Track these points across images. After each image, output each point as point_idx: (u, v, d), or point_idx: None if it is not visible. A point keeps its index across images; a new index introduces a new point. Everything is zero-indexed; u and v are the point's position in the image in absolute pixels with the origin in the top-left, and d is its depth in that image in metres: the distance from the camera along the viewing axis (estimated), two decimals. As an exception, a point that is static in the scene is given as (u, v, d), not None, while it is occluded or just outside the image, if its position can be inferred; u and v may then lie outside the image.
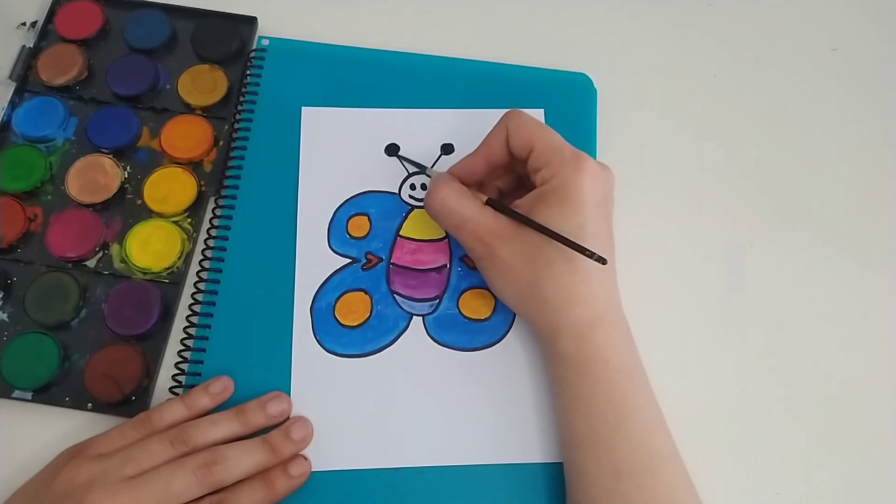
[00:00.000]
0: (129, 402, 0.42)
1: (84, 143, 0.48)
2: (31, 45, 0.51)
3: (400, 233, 0.47)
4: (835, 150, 0.54)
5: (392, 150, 0.49)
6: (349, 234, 0.47)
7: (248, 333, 0.44)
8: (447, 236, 0.48)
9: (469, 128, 0.50)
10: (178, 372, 0.43)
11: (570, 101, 0.52)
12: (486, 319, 0.46)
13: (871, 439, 0.46)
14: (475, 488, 0.42)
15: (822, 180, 0.53)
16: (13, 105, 0.49)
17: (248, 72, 0.51)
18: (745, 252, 0.50)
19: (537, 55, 0.53)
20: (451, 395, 0.44)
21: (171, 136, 0.49)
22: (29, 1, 0.53)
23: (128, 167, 0.48)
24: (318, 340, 0.44)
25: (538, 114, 0.51)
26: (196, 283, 0.45)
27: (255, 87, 0.51)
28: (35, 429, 0.42)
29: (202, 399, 0.41)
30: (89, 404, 0.42)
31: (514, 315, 0.46)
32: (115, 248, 0.46)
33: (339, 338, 0.45)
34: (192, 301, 0.45)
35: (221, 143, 0.49)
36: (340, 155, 0.49)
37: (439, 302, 0.46)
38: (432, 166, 0.49)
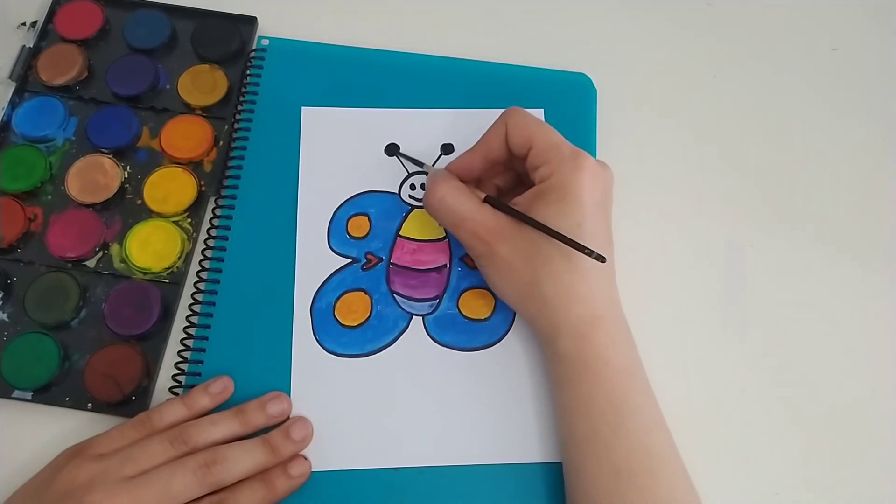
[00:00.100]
0: (129, 402, 0.42)
1: (84, 143, 0.48)
2: (31, 45, 0.51)
3: (400, 233, 0.47)
4: (835, 150, 0.54)
5: (392, 150, 0.49)
6: (349, 234, 0.47)
7: (248, 333, 0.44)
8: (447, 236, 0.47)
9: (469, 128, 0.50)
10: (178, 372, 0.43)
11: (570, 101, 0.52)
12: (486, 319, 0.46)
13: (871, 439, 0.46)
14: (475, 488, 0.42)
15: (822, 180, 0.53)
16: (13, 105, 0.49)
17: (248, 72, 0.51)
18: (745, 252, 0.50)
19: (537, 55, 0.53)
20: (451, 395, 0.44)
21: (171, 136, 0.49)
22: (29, 1, 0.53)
23: (128, 167, 0.48)
24: (318, 340, 0.44)
25: (538, 114, 0.51)
26: (196, 283, 0.45)
27: (255, 87, 0.51)
28: (35, 429, 0.42)
29: (202, 399, 0.41)
30: (89, 404, 0.42)
31: (514, 315, 0.46)
32: (115, 248, 0.46)
33: (339, 338, 0.45)
34: (192, 301, 0.45)
35: (221, 143, 0.49)
36: (340, 155, 0.49)
37: (439, 302, 0.46)
38: (432, 165, 0.49)
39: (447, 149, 0.50)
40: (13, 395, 0.42)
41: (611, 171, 0.42)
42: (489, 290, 0.46)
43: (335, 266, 0.46)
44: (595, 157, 0.50)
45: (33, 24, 0.51)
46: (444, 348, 0.45)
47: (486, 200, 0.41)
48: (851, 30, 0.58)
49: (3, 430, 0.42)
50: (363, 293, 0.46)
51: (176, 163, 0.48)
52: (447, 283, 0.46)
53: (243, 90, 0.51)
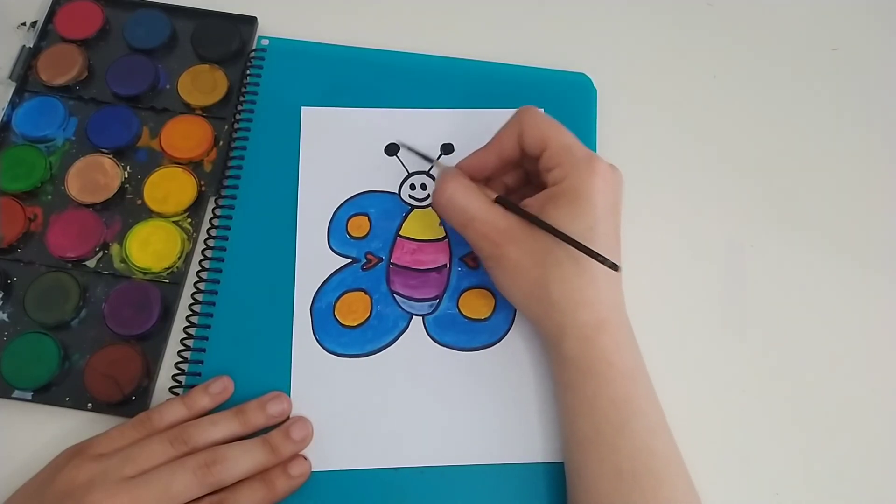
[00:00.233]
0: (129, 402, 0.42)
1: (84, 143, 0.48)
2: (31, 45, 0.51)
3: (400, 233, 0.47)
4: (834, 149, 0.54)
5: (392, 150, 0.49)
6: (349, 234, 0.47)
7: (248, 333, 0.44)
8: (447, 236, 0.47)
9: (469, 128, 0.50)
10: (178, 372, 0.43)
11: (570, 102, 0.52)
12: (486, 319, 0.46)
13: (871, 439, 0.46)
14: (475, 488, 0.42)
15: (822, 180, 0.53)
16: (13, 105, 0.49)
17: (248, 72, 0.51)
18: (745, 252, 0.50)
19: (537, 55, 0.53)
20: (451, 395, 0.44)
21: (171, 136, 0.49)
22: (29, 1, 0.53)
23: (128, 167, 0.48)
24: (318, 340, 0.44)
25: (538, 114, 0.51)
26: (196, 283, 0.45)
27: (255, 87, 0.51)
28: (35, 429, 0.42)
29: (202, 399, 0.41)
30: (89, 404, 0.42)
31: (514, 315, 0.46)
32: (115, 248, 0.46)
33: (339, 338, 0.44)
34: (192, 301, 0.45)
35: (221, 143, 0.49)
36: (340, 155, 0.49)
37: (439, 302, 0.46)
38: (432, 167, 0.49)
39: (447, 149, 0.50)
40: (13, 395, 0.42)
41: (621, 175, 0.41)
42: (490, 289, 0.46)
43: (335, 266, 0.46)
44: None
45: (33, 24, 0.51)
46: (444, 348, 0.45)
47: (497, 201, 0.41)
48: (851, 30, 0.58)
49: (3, 430, 0.42)
50: (363, 293, 0.46)
51: (176, 163, 0.48)
52: (447, 283, 0.46)
53: (243, 90, 0.51)
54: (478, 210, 0.40)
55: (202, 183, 0.48)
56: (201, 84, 0.50)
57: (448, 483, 0.42)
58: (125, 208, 0.47)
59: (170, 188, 0.47)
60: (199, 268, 0.46)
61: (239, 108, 0.50)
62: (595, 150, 0.51)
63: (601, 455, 0.38)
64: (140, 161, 0.49)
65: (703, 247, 0.50)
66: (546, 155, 0.40)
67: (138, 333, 0.44)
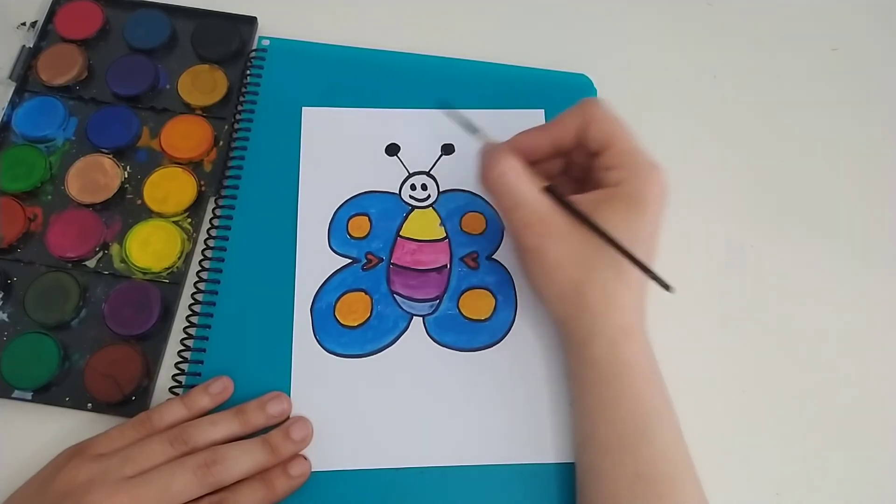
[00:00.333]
0: (129, 402, 0.42)
1: (84, 143, 0.48)
2: (31, 45, 0.50)
3: (400, 233, 0.47)
4: (835, 149, 0.54)
5: (392, 150, 0.49)
6: (349, 235, 0.47)
7: (248, 333, 0.44)
8: (447, 237, 0.47)
9: (469, 128, 0.50)
10: (178, 372, 0.43)
11: (570, 102, 0.51)
12: (486, 320, 0.46)
13: (871, 439, 0.46)
14: (475, 488, 0.42)
15: (822, 180, 0.53)
16: (13, 105, 0.49)
17: (248, 72, 0.51)
18: (745, 252, 0.50)
19: (537, 56, 0.53)
20: (451, 396, 0.44)
21: (171, 136, 0.49)
22: (29, 1, 0.53)
23: (128, 167, 0.48)
24: (318, 340, 0.44)
25: (538, 114, 0.51)
26: (196, 283, 0.45)
27: (255, 87, 0.51)
28: (35, 429, 0.42)
29: (202, 399, 0.41)
30: (89, 404, 0.42)
31: (514, 315, 0.46)
32: (115, 248, 0.46)
33: (340, 338, 0.44)
34: (192, 301, 0.45)
35: (221, 143, 0.49)
36: (341, 155, 0.49)
37: (439, 302, 0.46)
38: (432, 167, 0.49)
39: (448, 149, 0.50)
40: (13, 395, 0.42)
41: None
42: (490, 290, 0.46)
43: (335, 266, 0.46)
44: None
45: (33, 24, 0.51)
46: (445, 348, 0.45)
47: (547, 189, 0.39)
48: (851, 30, 0.58)
49: (3, 430, 0.42)
50: (363, 293, 0.46)
51: (176, 163, 0.48)
52: (447, 284, 0.46)
53: (243, 90, 0.51)
54: (527, 196, 0.38)
55: (202, 183, 0.48)
56: (201, 84, 0.50)
57: (448, 483, 0.42)
58: (125, 208, 0.47)
59: (170, 188, 0.47)
60: (199, 268, 0.46)
61: (239, 108, 0.50)
62: (595, 151, 0.51)
63: (620, 459, 0.37)
64: (140, 161, 0.48)
65: (703, 247, 0.50)
66: (609, 154, 0.39)
67: (138, 333, 0.44)
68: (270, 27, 0.53)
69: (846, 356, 0.48)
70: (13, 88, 0.49)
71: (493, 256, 0.47)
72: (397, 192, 0.48)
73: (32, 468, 0.39)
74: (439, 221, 0.48)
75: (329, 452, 0.42)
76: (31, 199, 0.47)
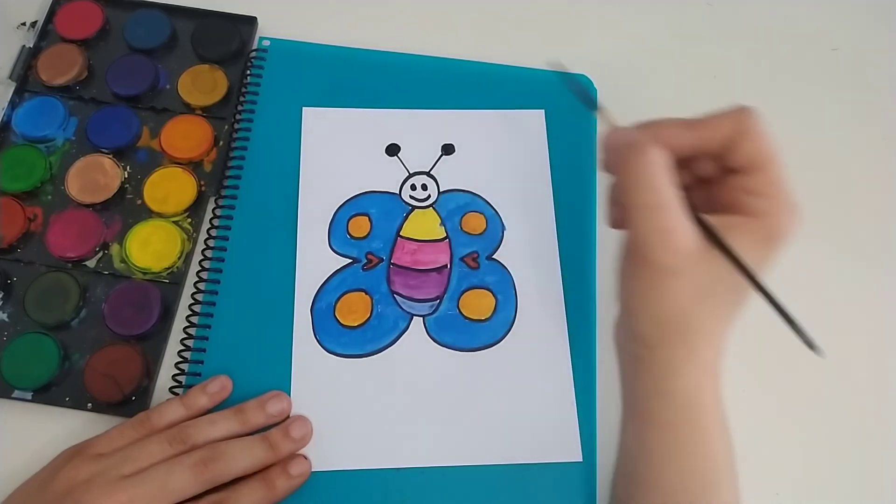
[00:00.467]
0: (129, 402, 0.42)
1: (84, 143, 0.48)
2: (31, 45, 0.50)
3: (400, 233, 0.47)
4: (835, 150, 0.54)
5: (393, 150, 0.50)
6: (350, 235, 0.47)
7: (249, 333, 0.44)
8: (448, 237, 0.47)
9: (470, 129, 0.50)
10: (178, 372, 0.43)
11: (570, 102, 0.52)
12: (486, 320, 0.46)
13: (871, 439, 0.46)
14: (475, 489, 0.42)
15: (822, 180, 0.52)
16: (13, 105, 0.49)
17: (248, 72, 0.51)
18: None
19: (538, 56, 0.53)
20: (451, 396, 0.44)
21: (171, 136, 0.49)
22: (29, 1, 0.53)
23: (128, 167, 0.48)
24: (318, 340, 0.44)
25: (538, 115, 0.51)
26: (196, 283, 0.45)
27: (255, 88, 0.51)
28: (35, 429, 0.42)
29: (200, 399, 0.41)
30: (89, 404, 0.42)
31: (515, 316, 0.46)
32: (115, 248, 0.46)
33: (340, 338, 0.44)
34: (192, 301, 0.45)
35: (221, 143, 0.49)
36: (341, 155, 0.49)
37: (439, 302, 0.46)
38: (433, 167, 0.49)
39: (448, 149, 0.50)
40: (13, 395, 0.42)
41: None
42: (490, 290, 0.46)
43: (336, 266, 0.46)
44: (595, 158, 0.50)
45: (33, 24, 0.51)
46: (445, 349, 0.45)
47: (696, 216, 0.34)
48: (851, 30, 0.58)
49: (3, 430, 0.42)
50: (363, 293, 0.46)
51: (176, 163, 0.48)
52: (447, 284, 0.46)
53: (243, 90, 0.51)
54: (672, 202, 0.33)
55: (202, 183, 0.48)
56: (201, 84, 0.50)
57: (448, 483, 0.42)
58: (125, 208, 0.47)
59: (170, 188, 0.47)
60: (199, 268, 0.46)
61: (239, 108, 0.50)
62: (595, 151, 0.51)
63: None
64: (140, 161, 0.48)
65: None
66: (758, 178, 0.34)
67: (138, 333, 0.44)
68: (270, 27, 0.53)
69: (847, 355, 0.48)
70: (13, 88, 0.49)
71: (494, 256, 0.47)
72: (397, 192, 0.48)
73: (32, 468, 0.39)
74: (439, 221, 0.48)
75: (329, 452, 0.42)
76: (31, 199, 0.47)
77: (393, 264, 0.47)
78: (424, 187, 0.49)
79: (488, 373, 0.44)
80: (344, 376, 0.44)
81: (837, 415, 0.46)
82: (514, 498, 0.42)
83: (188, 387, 0.43)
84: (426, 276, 0.46)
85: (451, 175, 0.49)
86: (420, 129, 0.50)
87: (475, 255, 0.47)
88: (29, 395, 0.42)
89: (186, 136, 0.49)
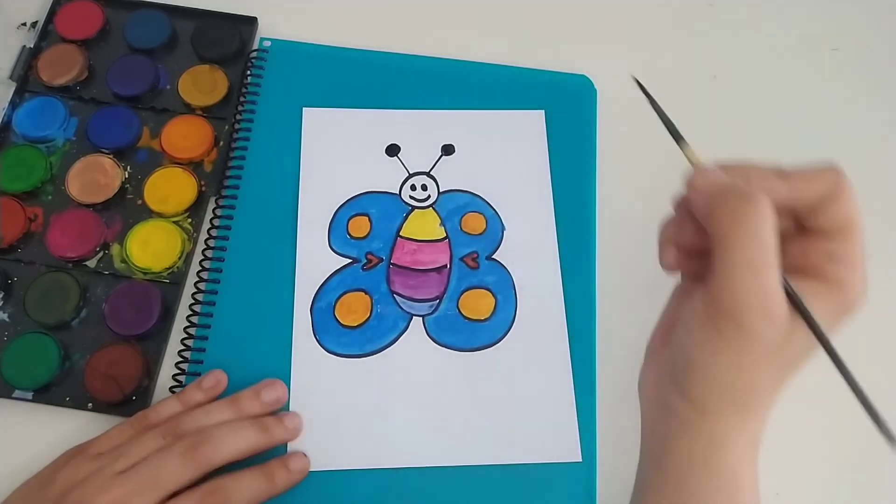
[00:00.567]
0: (130, 402, 0.42)
1: (84, 143, 0.48)
2: (32, 46, 0.51)
3: (400, 233, 0.47)
4: (835, 150, 0.53)
5: (392, 150, 0.50)
6: (349, 235, 0.47)
7: (249, 333, 0.44)
8: (447, 237, 0.48)
9: (470, 129, 0.51)
10: (179, 372, 0.43)
11: (571, 103, 0.52)
12: (485, 320, 0.46)
13: (871, 439, 0.46)
14: (474, 489, 0.42)
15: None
16: (13, 105, 0.49)
17: (248, 72, 0.51)
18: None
19: (538, 57, 0.53)
20: (451, 396, 0.44)
21: (172, 137, 0.49)
22: (29, 1, 0.53)
23: (128, 167, 0.48)
24: (318, 340, 0.44)
25: (539, 115, 0.51)
26: (196, 283, 0.45)
27: (255, 88, 0.51)
28: (35, 429, 0.42)
29: (196, 394, 0.41)
30: (89, 404, 0.42)
31: (514, 316, 0.46)
32: (115, 248, 0.46)
33: (339, 338, 0.45)
34: (193, 301, 0.45)
35: (222, 143, 0.49)
36: (341, 155, 0.49)
37: (439, 302, 0.46)
38: (433, 168, 0.49)
39: (448, 149, 0.50)
40: (13, 395, 0.42)
41: None
42: (489, 290, 0.46)
43: (335, 266, 0.46)
44: (595, 158, 0.50)
45: (33, 24, 0.51)
46: (444, 349, 0.45)
47: (787, 292, 0.30)
48: (851, 30, 0.58)
49: (3, 430, 0.42)
50: (363, 293, 0.46)
51: (176, 163, 0.48)
52: (447, 284, 0.46)
53: (244, 90, 0.51)
54: (775, 263, 0.29)
55: (202, 183, 0.48)
56: (201, 84, 0.50)
57: (447, 484, 0.42)
58: (125, 208, 0.47)
59: (170, 188, 0.47)
60: (200, 268, 0.46)
61: (239, 108, 0.50)
62: (595, 152, 0.51)
63: None
64: (140, 161, 0.49)
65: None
66: (842, 243, 0.32)
67: (138, 333, 0.44)
68: (271, 27, 0.53)
69: (847, 355, 0.48)
70: (13, 88, 0.49)
71: (493, 256, 0.47)
72: (397, 192, 0.48)
73: (32, 468, 0.39)
74: (439, 222, 0.48)
75: (328, 452, 0.42)
76: (32, 199, 0.47)
77: (393, 264, 0.47)
78: (424, 187, 0.49)
79: (488, 373, 0.44)
80: (343, 376, 0.44)
81: (838, 415, 0.46)
82: (514, 498, 0.42)
83: (188, 387, 0.43)
84: (426, 276, 0.46)
85: (451, 175, 0.49)
86: (420, 129, 0.50)
87: (475, 255, 0.47)
88: (29, 395, 0.42)
89: (186, 136, 0.49)
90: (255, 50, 0.52)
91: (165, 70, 0.51)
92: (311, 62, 0.52)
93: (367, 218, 0.48)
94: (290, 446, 0.42)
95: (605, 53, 0.54)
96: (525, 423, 0.43)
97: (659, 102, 0.55)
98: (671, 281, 0.49)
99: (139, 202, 0.47)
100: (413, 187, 0.49)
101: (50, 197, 0.47)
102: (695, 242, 0.34)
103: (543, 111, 0.51)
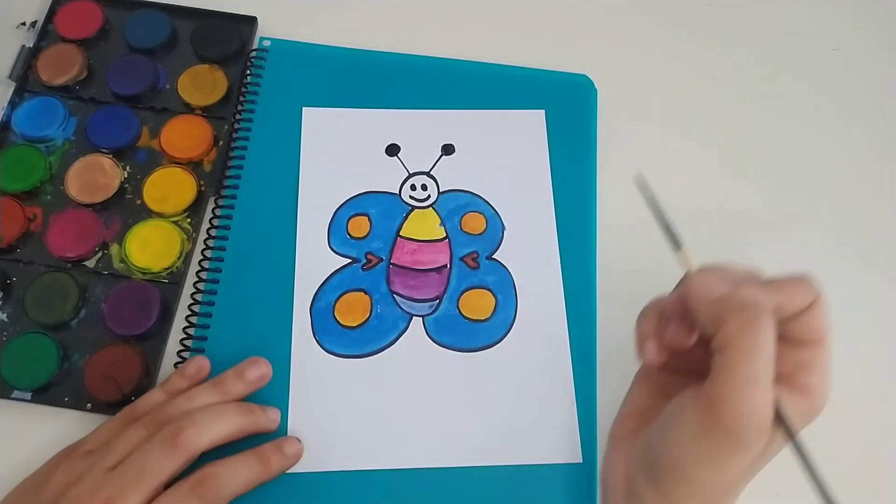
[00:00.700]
0: (129, 402, 0.42)
1: (84, 143, 0.48)
2: (31, 45, 0.50)
3: (400, 233, 0.47)
4: (835, 150, 0.54)
5: (392, 150, 0.49)
6: (349, 235, 0.47)
7: (248, 334, 0.44)
8: (447, 237, 0.47)
9: (470, 129, 0.50)
10: (178, 372, 0.43)
11: (571, 103, 0.52)
12: (486, 320, 0.46)
13: (871, 439, 0.46)
14: (474, 489, 0.42)
15: (822, 180, 0.53)
16: (13, 105, 0.49)
17: (248, 72, 0.51)
18: (745, 252, 0.50)
19: (538, 56, 0.53)
20: (451, 396, 0.44)
21: (171, 136, 0.48)
22: (29, 1, 0.53)
23: (127, 167, 0.48)
24: (317, 341, 0.44)
25: (539, 115, 0.51)
26: (196, 283, 0.45)
27: (255, 88, 0.51)
28: (34, 429, 0.42)
29: (179, 382, 0.41)
30: (89, 404, 0.42)
31: (514, 316, 0.46)
32: (114, 248, 0.46)
33: (339, 338, 0.44)
34: (192, 301, 0.45)
35: (221, 143, 0.49)
36: (341, 155, 0.49)
37: (439, 302, 0.46)
38: (433, 168, 0.49)
39: (448, 149, 0.50)
40: (13, 396, 0.42)
41: None
42: (490, 290, 0.46)
43: (335, 266, 0.46)
44: (595, 157, 0.50)
45: (33, 23, 0.51)
46: (444, 349, 0.45)
47: (777, 411, 0.32)
48: (851, 30, 0.58)
49: (3, 430, 0.42)
50: (363, 293, 0.46)
51: (176, 163, 0.48)
52: (447, 284, 0.46)
53: (243, 90, 0.51)
54: (771, 378, 0.30)
55: (202, 183, 0.48)
56: (201, 84, 0.50)
57: (447, 484, 0.42)
58: (125, 208, 0.47)
59: (169, 188, 0.47)
60: (199, 268, 0.46)
61: (239, 108, 0.50)
62: (595, 152, 0.51)
63: None
64: (140, 161, 0.48)
65: (703, 247, 0.50)
66: (814, 353, 0.34)
67: (138, 333, 0.44)
68: (271, 27, 0.53)
69: (846, 355, 0.48)
70: (13, 88, 0.49)
71: (493, 256, 0.47)
72: (397, 192, 0.48)
73: (32, 468, 0.39)
74: (439, 221, 0.48)
75: (328, 453, 0.42)
76: (31, 199, 0.47)
77: (392, 264, 0.47)
78: (424, 187, 0.49)
79: (488, 373, 0.44)
80: (343, 376, 0.44)
81: (838, 414, 0.46)
82: (514, 499, 0.42)
83: (188, 387, 0.43)
84: (426, 276, 0.46)
85: (451, 175, 0.49)
86: (420, 129, 0.50)
87: (475, 255, 0.47)
88: (28, 396, 0.42)
89: (186, 135, 0.49)
90: (254, 50, 0.52)
91: (165, 70, 0.51)
92: (311, 62, 0.52)
93: (366, 218, 0.48)
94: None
95: (605, 53, 0.54)
96: (525, 424, 0.43)
97: (658, 102, 0.55)
98: (671, 281, 0.49)
99: (138, 202, 0.47)
100: (413, 187, 0.49)
101: (49, 197, 0.47)
102: (677, 341, 0.35)
103: (544, 111, 0.51)
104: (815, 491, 0.32)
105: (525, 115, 0.51)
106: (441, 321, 0.45)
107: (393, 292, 0.46)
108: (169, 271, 0.46)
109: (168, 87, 0.51)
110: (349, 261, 0.46)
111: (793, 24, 0.58)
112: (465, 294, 0.46)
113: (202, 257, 0.46)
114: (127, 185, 0.48)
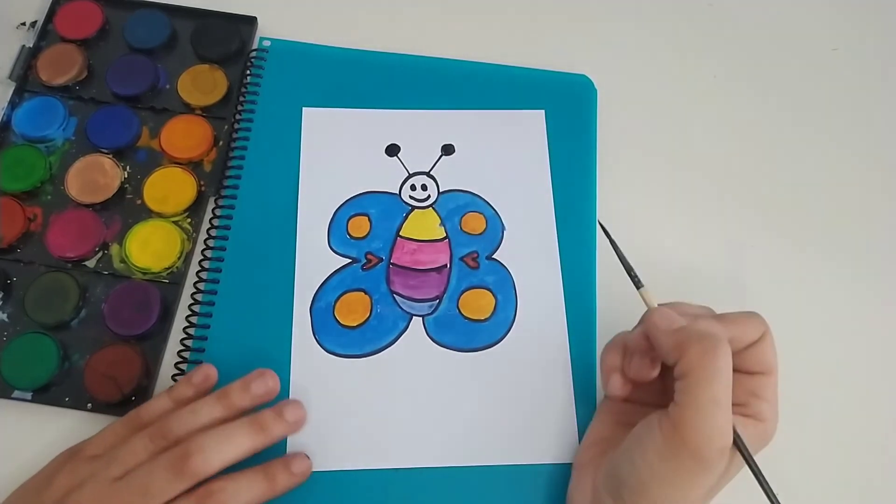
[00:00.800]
0: (129, 402, 0.42)
1: (84, 143, 0.48)
2: (31, 45, 0.51)
3: (400, 233, 0.47)
4: (835, 150, 0.54)
5: (392, 150, 0.50)
6: (349, 235, 0.47)
7: (248, 333, 0.44)
8: (447, 237, 0.47)
9: (469, 129, 0.51)
10: (178, 372, 0.43)
11: (571, 103, 0.52)
12: (485, 320, 0.46)
13: (871, 439, 0.46)
14: (474, 489, 0.42)
15: (822, 181, 0.53)
16: (13, 105, 0.49)
17: (248, 72, 0.51)
18: (745, 252, 0.50)
19: (538, 57, 0.53)
20: (451, 396, 0.44)
21: (171, 136, 0.49)
22: (29, 1, 0.53)
23: (127, 167, 0.48)
24: (317, 341, 0.44)
25: (539, 115, 0.51)
26: (196, 283, 0.45)
27: (255, 88, 0.51)
28: (35, 429, 0.42)
29: (186, 391, 0.40)
30: (89, 404, 0.42)
31: (514, 315, 0.46)
32: (114, 248, 0.46)
33: (339, 338, 0.44)
34: (192, 301, 0.45)
35: (221, 143, 0.49)
36: (341, 155, 0.49)
37: (439, 302, 0.46)
38: (433, 168, 0.49)
39: (448, 149, 0.50)
40: (13, 396, 0.42)
41: None
42: (490, 290, 0.46)
43: (335, 266, 0.46)
44: (595, 157, 0.50)
45: (33, 23, 0.51)
46: (444, 349, 0.45)
47: (735, 436, 0.35)
48: (851, 30, 0.58)
49: (3, 431, 0.42)
50: (363, 293, 0.46)
51: (176, 163, 0.48)
52: (447, 284, 0.46)
53: (243, 90, 0.51)
54: (730, 401, 0.33)
55: (202, 183, 0.48)
56: (201, 84, 0.50)
57: (447, 484, 0.42)
58: (125, 208, 0.47)
59: (170, 188, 0.47)
60: (199, 268, 0.46)
61: (239, 108, 0.50)
62: (595, 152, 0.51)
63: None
64: (140, 161, 0.48)
65: (702, 247, 0.50)
66: (764, 382, 0.37)
67: (138, 333, 0.44)
68: (270, 27, 0.53)
69: (846, 356, 0.48)
70: (13, 88, 0.49)
71: (493, 256, 0.47)
72: (397, 192, 0.48)
73: (32, 468, 0.39)
74: (439, 221, 0.48)
75: (328, 453, 0.42)
76: (31, 199, 0.47)
77: (392, 264, 0.47)
78: (424, 187, 0.49)
79: (488, 373, 0.44)
80: (343, 376, 0.44)
81: (837, 415, 0.46)
82: (514, 499, 0.42)
83: (188, 387, 0.43)
84: (426, 276, 0.46)
85: (451, 175, 0.49)
86: (420, 129, 0.50)
87: (475, 255, 0.47)
88: (29, 396, 0.42)
89: (186, 135, 0.49)
90: (254, 50, 0.52)
91: (165, 70, 0.51)
92: (311, 62, 0.52)
93: (366, 218, 0.48)
94: (290, 444, 0.41)
95: (605, 53, 0.55)
96: (525, 424, 0.43)
97: (658, 102, 0.55)
98: (670, 281, 0.49)
99: (138, 202, 0.47)
100: (413, 187, 0.49)
101: (49, 197, 0.47)
102: (640, 374, 0.38)
103: (543, 111, 0.51)
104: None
105: (525, 115, 0.51)
106: (441, 321, 0.45)
107: (393, 292, 0.46)
108: (169, 271, 0.46)
109: (168, 87, 0.51)
110: (349, 261, 0.46)
111: (793, 24, 0.58)
112: (464, 294, 0.46)
113: (202, 257, 0.46)
114: (127, 185, 0.48)
